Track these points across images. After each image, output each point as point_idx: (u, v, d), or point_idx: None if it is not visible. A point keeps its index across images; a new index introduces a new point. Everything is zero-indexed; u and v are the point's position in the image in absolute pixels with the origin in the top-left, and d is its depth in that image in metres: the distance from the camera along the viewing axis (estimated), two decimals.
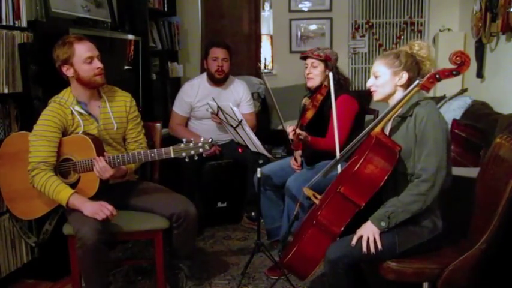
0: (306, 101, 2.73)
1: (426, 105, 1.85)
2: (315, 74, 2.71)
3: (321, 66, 2.70)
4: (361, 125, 2.75)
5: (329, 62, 2.70)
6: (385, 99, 1.96)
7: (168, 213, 2.24)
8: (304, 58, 2.79)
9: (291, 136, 2.49)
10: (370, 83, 1.97)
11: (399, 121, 1.92)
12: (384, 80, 1.93)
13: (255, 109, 3.86)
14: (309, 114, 2.66)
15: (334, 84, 2.43)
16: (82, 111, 2.23)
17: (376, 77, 1.95)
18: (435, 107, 1.87)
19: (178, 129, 3.45)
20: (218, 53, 3.34)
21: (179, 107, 3.46)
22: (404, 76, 1.90)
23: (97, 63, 2.20)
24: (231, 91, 3.47)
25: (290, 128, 2.52)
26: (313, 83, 2.73)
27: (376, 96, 1.97)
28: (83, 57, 2.17)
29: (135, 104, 2.43)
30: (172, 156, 2.12)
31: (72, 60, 2.17)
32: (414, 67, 1.92)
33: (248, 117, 3.46)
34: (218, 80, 3.39)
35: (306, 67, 2.76)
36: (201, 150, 2.11)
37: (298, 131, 2.48)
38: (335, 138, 2.35)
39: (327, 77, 2.61)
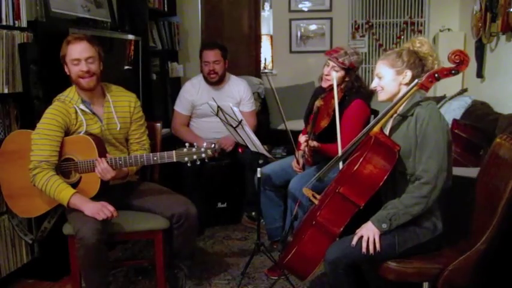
0: (319, 102, 2.57)
1: (427, 106, 1.84)
2: (333, 76, 2.55)
3: (341, 73, 2.57)
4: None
5: (352, 71, 2.59)
6: (391, 98, 1.95)
7: (169, 213, 2.24)
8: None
9: (303, 147, 2.45)
10: (375, 84, 1.97)
11: (400, 120, 1.92)
12: (388, 80, 1.92)
13: (256, 108, 3.86)
14: (323, 123, 2.51)
15: (351, 89, 2.40)
16: (86, 110, 2.24)
17: (379, 78, 1.95)
18: (436, 108, 1.87)
19: (181, 130, 3.45)
20: (209, 56, 3.34)
21: (181, 106, 3.46)
22: (408, 74, 1.90)
23: (82, 66, 2.18)
24: (230, 89, 3.48)
25: (303, 138, 2.47)
26: (328, 84, 2.60)
27: (382, 97, 1.97)
28: (70, 58, 2.19)
29: (140, 105, 2.43)
30: (175, 160, 2.13)
31: (66, 59, 2.20)
32: (418, 64, 1.91)
33: (249, 115, 3.47)
34: (213, 83, 3.39)
35: (327, 66, 2.62)
36: (203, 155, 2.12)
37: (311, 143, 2.42)
38: (338, 140, 2.30)
39: (345, 81, 2.58)
